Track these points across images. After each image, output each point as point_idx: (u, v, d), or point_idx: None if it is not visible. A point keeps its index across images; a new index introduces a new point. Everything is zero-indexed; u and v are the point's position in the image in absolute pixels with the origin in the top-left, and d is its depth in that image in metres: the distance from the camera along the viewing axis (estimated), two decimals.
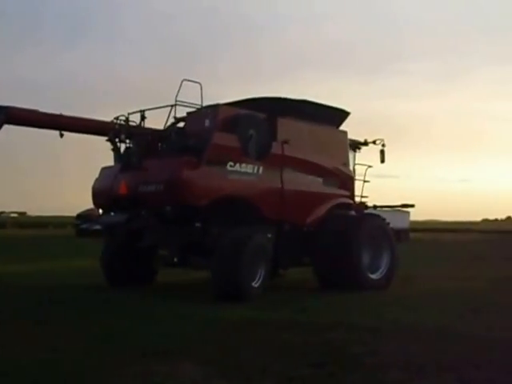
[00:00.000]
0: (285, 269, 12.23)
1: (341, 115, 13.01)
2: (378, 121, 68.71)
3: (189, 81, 10.60)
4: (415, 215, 50.28)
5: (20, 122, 10.66)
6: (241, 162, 10.66)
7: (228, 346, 6.58)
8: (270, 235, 11.05)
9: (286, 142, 11.42)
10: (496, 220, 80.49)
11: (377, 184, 15.96)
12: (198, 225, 10.35)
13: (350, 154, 13.62)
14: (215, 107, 10.89)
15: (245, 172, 10.71)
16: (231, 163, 10.51)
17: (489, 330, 7.58)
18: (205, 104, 10.83)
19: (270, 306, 9.45)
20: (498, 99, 68.76)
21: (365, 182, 13.80)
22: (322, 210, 12.11)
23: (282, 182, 11.31)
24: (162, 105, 10.95)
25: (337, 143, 12.86)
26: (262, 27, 76.16)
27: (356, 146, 13.97)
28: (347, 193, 12.96)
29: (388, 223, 12.84)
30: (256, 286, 10.17)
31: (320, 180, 12.25)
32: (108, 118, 11.35)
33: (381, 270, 12.18)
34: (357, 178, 13.69)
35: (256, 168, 10.88)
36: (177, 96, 10.46)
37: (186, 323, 8.01)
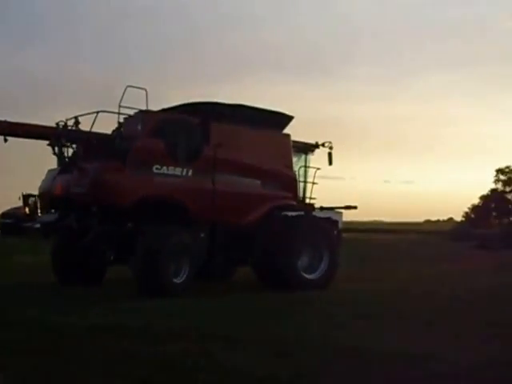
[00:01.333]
0: (222, 268, 12.40)
1: (283, 119, 13.16)
2: (326, 124, 69.18)
3: (133, 87, 11.00)
4: (360, 216, 50.49)
5: None
6: (168, 165, 11.03)
7: (44, 355, 5.87)
8: (202, 235, 11.50)
9: (219, 145, 11.67)
10: (438, 221, 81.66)
11: (324, 185, 16.18)
12: (129, 225, 10.99)
13: (302, 157, 13.94)
14: (145, 113, 11.26)
15: (172, 174, 11.07)
16: (157, 166, 10.91)
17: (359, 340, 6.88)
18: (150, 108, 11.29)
19: (126, 312, 8.74)
20: (442, 103, 71.05)
21: (313, 183, 14.00)
22: (259, 211, 12.28)
23: (213, 183, 11.61)
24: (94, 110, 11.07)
25: (278, 146, 13.02)
26: (206, 28, 75.62)
27: (308, 148, 14.16)
28: (289, 194, 13.03)
29: (332, 224, 13.28)
30: (179, 282, 10.62)
31: (258, 182, 12.44)
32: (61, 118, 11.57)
33: (319, 271, 12.36)
34: (309, 180, 13.94)
35: (185, 170, 11.24)
36: (120, 101, 10.83)
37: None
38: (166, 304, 9.40)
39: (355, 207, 15.08)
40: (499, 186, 51.39)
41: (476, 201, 51.94)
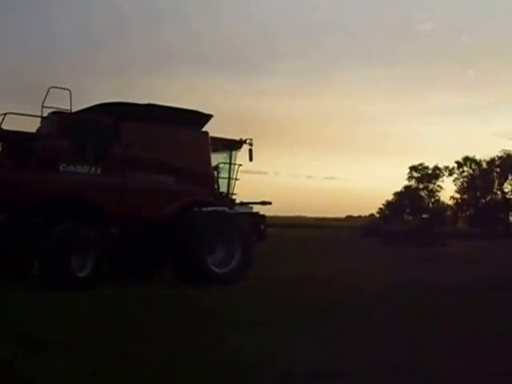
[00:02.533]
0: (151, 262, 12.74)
1: (199, 117, 13.32)
2: (250, 120, 68.77)
3: (57, 88, 11.43)
4: (283, 211, 50.81)
5: None
6: (75, 164, 11.41)
7: None
8: (114, 230, 11.74)
9: (129, 144, 11.99)
10: (359, 217, 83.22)
11: (248, 181, 17.02)
12: (41, 221, 10.99)
13: (227, 153, 14.26)
14: (56, 114, 11.63)
15: (80, 172, 11.45)
16: (64, 165, 11.27)
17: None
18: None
19: None
20: (363, 100, 72.74)
21: (236, 179, 14.29)
22: (171, 207, 12.51)
23: (124, 181, 11.88)
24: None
25: (194, 144, 13.30)
26: (133, 22, 73.75)
27: (233, 145, 14.34)
28: (205, 190, 13.24)
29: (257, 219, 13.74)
30: (83, 275, 10.94)
31: (171, 178, 12.69)
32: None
33: (231, 266, 12.63)
34: (235, 176, 14.21)
35: (93, 169, 11.61)
36: (43, 102, 11.16)
37: None
38: None
39: (270, 203, 15.12)
40: (412, 182, 52.71)
41: (391, 197, 53.07)
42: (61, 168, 11.27)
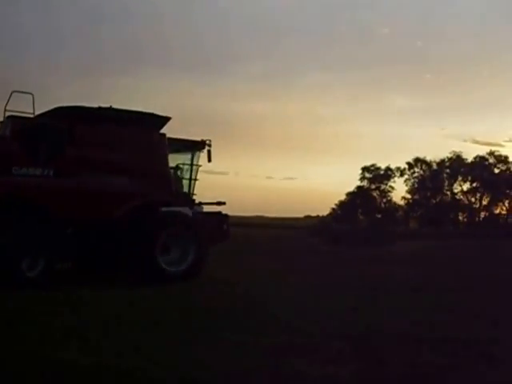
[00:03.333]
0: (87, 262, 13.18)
1: (157, 119, 13.53)
2: (211, 121, 68.13)
3: (19, 92, 12.00)
4: (243, 211, 50.96)
5: None
6: (28, 166, 11.83)
7: None
8: (69, 231, 12.27)
9: (81, 146, 12.38)
10: (318, 216, 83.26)
11: (209, 181, 17.76)
12: None
13: (189, 154, 14.63)
14: (11, 118, 12.07)
15: (32, 174, 11.85)
16: (16, 167, 11.74)
17: None
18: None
19: None
20: (322, 103, 73.20)
21: (195, 180, 14.61)
22: (123, 208, 12.75)
23: (75, 182, 12.23)
24: None
25: (150, 145, 13.50)
26: (99, 21, 72.09)
27: (195, 146, 14.66)
28: (161, 191, 13.40)
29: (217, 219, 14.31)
30: (31, 275, 11.45)
31: (125, 180, 12.83)
32: None
33: (185, 264, 13.07)
34: (195, 177, 14.60)
35: (46, 171, 11.99)
36: (6, 106, 11.85)
37: None
38: None
39: (224, 203, 15.36)
40: (365, 183, 52.95)
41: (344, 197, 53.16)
42: (13, 171, 11.74)
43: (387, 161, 51.25)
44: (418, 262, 18.99)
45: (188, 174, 14.56)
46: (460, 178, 51.06)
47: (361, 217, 53.52)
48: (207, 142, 14.54)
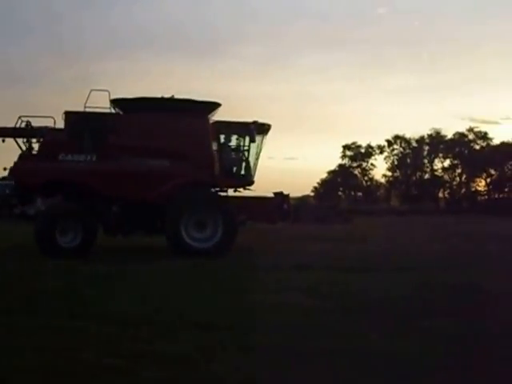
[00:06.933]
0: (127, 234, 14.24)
1: (207, 106, 14.31)
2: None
3: (97, 90, 13.63)
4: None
5: None
6: (72, 153, 13.47)
7: None
8: (114, 208, 13.83)
9: (123, 133, 13.65)
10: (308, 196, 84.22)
11: None
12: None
13: (259, 137, 14.74)
14: (66, 113, 13.75)
15: (77, 160, 13.50)
16: (62, 154, 13.45)
17: None
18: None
19: None
20: (319, 83, 72.52)
21: (255, 162, 14.83)
22: (163, 188, 13.64)
23: (115, 166, 13.56)
24: None
25: (191, 130, 14.11)
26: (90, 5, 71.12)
27: (263, 129, 14.85)
28: (204, 172, 13.98)
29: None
30: (69, 245, 12.94)
31: (165, 162, 13.77)
32: None
33: (213, 241, 13.60)
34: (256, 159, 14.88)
35: (89, 156, 13.54)
36: (86, 103, 13.49)
37: None
38: None
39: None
40: (346, 161, 53.20)
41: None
42: (60, 157, 13.45)
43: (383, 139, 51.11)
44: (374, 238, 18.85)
45: (250, 155, 14.82)
46: (441, 155, 51.23)
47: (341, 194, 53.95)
48: (255, 123, 14.75)
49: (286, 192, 15.39)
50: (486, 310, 7.24)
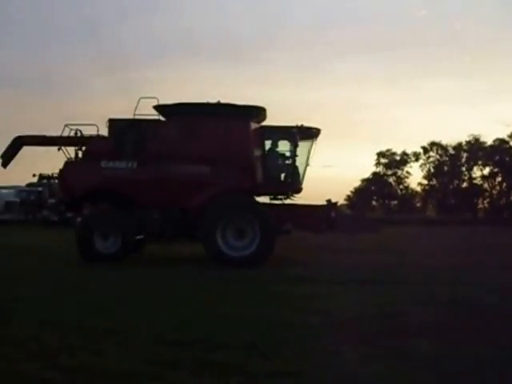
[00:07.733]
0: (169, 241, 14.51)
1: (249, 111, 13.88)
2: None
3: (146, 98, 13.70)
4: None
5: (32, 144, 15.10)
6: (114, 160, 13.58)
7: None
8: (155, 216, 13.58)
9: (163, 140, 13.58)
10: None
11: None
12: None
13: (307, 142, 14.23)
14: (109, 120, 13.96)
15: (118, 167, 13.60)
16: (104, 161, 13.60)
17: None
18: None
19: None
20: (359, 89, 71.23)
21: (304, 168, 14.43)
22: (204, 195, 13.44)
23: (155, 173, 13.45)
24: None
25: (233, 135, 13.78)
26: (126, 14, 72.25)
27: (312, 133, 14.34)
28: (242, 179, 13.67)
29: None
30: (107, 251, 13.27)
31: (207, 169, 13.51)
32: None
33: (249, 251, 13.17)
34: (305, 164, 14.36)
35: (130, 163, 13.57)
36: (135, 111, 13.63)
37: None
38: None
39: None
40: (380, 169, 51.99)
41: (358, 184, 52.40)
42: (102, 164, 13.62)
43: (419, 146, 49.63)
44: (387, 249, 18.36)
45: (298, 161, 14.20)
46: (480, 162, 49.38)
47: (376, 203, 52.78)
48: (299, 127, 14.19)
49: (334, 200, 14.58)
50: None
